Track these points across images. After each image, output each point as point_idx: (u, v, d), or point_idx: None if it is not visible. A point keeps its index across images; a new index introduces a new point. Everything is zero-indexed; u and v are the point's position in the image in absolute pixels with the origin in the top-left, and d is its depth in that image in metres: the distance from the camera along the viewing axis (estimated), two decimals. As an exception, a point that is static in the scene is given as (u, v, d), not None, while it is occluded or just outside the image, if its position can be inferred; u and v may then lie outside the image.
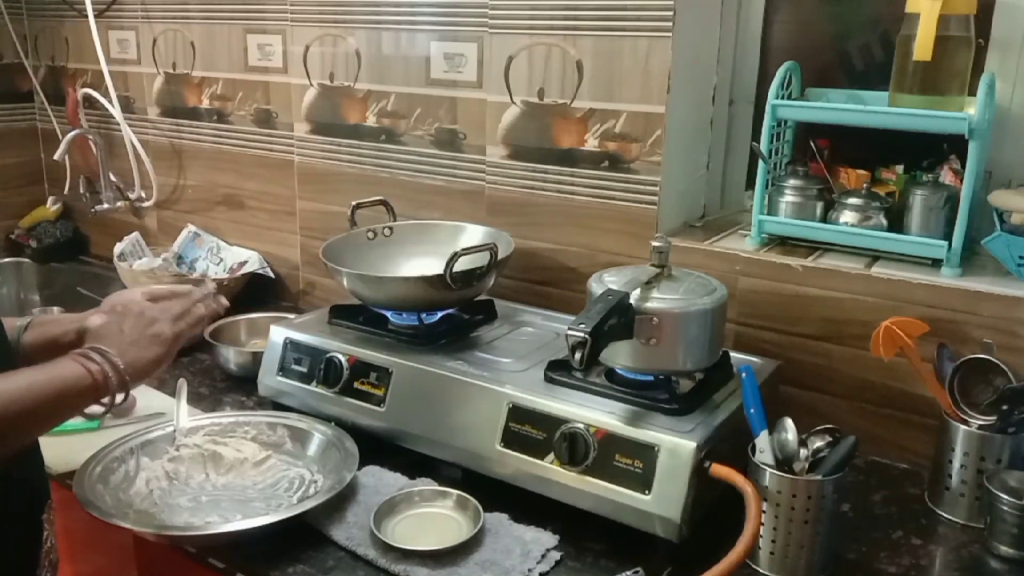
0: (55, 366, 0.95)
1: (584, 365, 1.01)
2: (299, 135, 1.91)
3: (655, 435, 1.06)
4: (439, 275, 1.29)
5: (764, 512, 1.03)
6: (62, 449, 1.17)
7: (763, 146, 1.41)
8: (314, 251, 1.64)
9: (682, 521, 1.03)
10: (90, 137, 2.15)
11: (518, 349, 1.34)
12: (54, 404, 0.93)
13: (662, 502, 1.04)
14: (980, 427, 1.16)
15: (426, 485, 1.19)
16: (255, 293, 1.99)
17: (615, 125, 1.49)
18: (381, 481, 1.20)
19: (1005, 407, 1.14)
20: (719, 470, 1.03)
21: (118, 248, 2.05)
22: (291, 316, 1.56)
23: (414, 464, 1.24)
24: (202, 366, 1.66)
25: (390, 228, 1.58)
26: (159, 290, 1.12)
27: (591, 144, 1.52)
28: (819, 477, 1.03)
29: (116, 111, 2.13)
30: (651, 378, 1.17)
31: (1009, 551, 1.09)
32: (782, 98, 1.40)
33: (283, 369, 1.39)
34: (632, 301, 1.11)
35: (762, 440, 1.06)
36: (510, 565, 1.04)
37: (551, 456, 1.12)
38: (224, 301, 1.18)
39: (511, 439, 1.15)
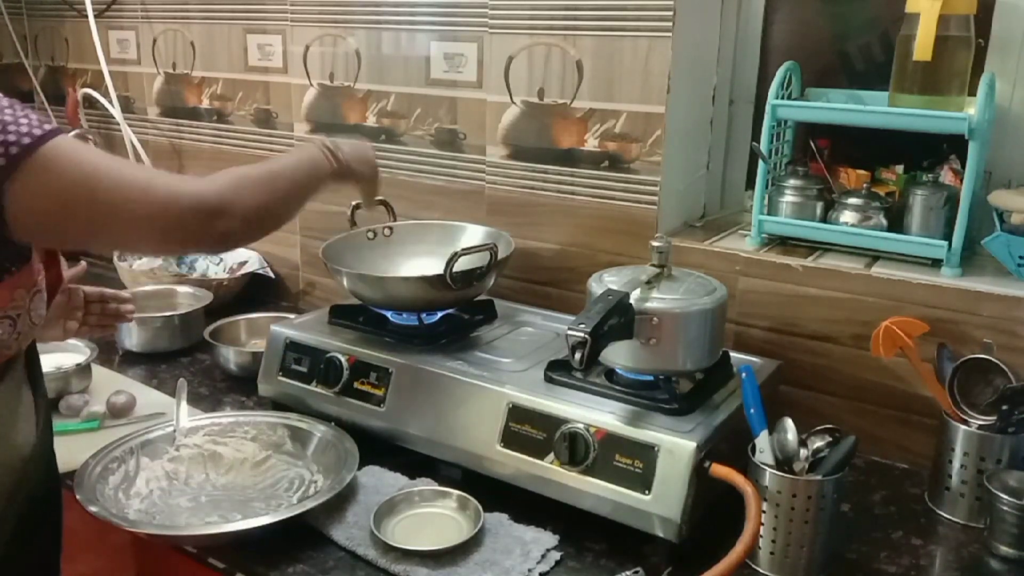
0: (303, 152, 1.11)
1: (584, 365, 1.01)
2: (299, 135, 1.91)
3: (655, 435, 1.07)
4: (439, 275, 1.29)
5: (764, 512, 1.03)
6: (62, 449, 1.16)
7: (763, 146, 1.41)
8: (314, 251, 1.64)
9: (682, 521, 1.03)
10: (90, 137, 2.15)
11: (518, 349, 1.34)
12: (306, 184, 1.07)
13: (662, 502, 1.04)
14: (980, 427, 1.16)
15: (426, 485, 1.19)
16: (255, 293, 1.99)
17: (615, 125, 1.49)
18: (381, 481, 1.20)
19: (1005, 407, 1.14)
20: (719, 470, 1.03)
21: (118, 248, 2.05)
22: (291, 316, 1.56)
23: (414, 464, 1.24)
24: (202, 366, 1.66)
25: (390, 228, 1.58)
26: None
27: (591, 144, 1.52)
28: (819, 477, 1.03)
29: (116, 111, 2.13)
30: (651, 378, 1.17)
31: (1009, 551, 1.09)
32: (782, 98, 1.40)
33: (283, 369, 1.38)
34: (632, 301, 1.11)
35: (762, 440, 1.06)
36: (510, 565, 1.04)
37: (551, 456, 1.12)
38: None
39: (511, 439, 1.15)
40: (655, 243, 1.19)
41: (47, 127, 0.83)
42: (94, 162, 0.85)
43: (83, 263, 1.30)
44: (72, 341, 1.61)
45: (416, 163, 1.75)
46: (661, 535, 1.05)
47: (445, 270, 1.28)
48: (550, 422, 1.13)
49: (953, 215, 1.30)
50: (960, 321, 1.25)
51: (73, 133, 2.03)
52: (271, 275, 2.00)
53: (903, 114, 1.31)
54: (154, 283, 1.90)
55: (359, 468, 1.19)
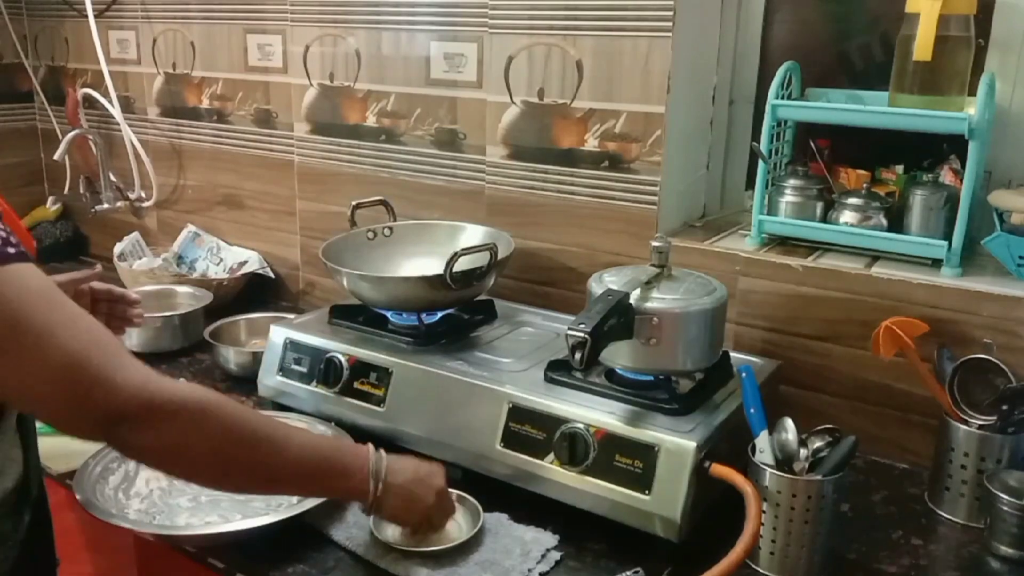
0: (342, 447, 1.02)
1: (584, 365, 1.01)
2: (299, 135, 1.91)
3: (655, 435, 1.06)
4: (439, 275, 1.29)
5: (764, 512, 1.03)
6: (62, 449, 1.17)
7: (763, 146, 1.41)
8: (314, 251, 1.64)
9: (682, 521, 1.03)
10: (90, 137, 2.15)
11: (518, 349, 1.34)
12: (306, 477, 0.96)
13: (662, 502, 1.04)
14: (980, 427, 1.16)
15: (426, 485, 1.19)
16: (255, 293, 1.99)
17: (615, 125, 1.49)
18: (381, 481, 1.20)
19: (1005, 407, 1.14)
20: (719, 470, 1.03)
21: (118, 248, 2.05)
22: (291, 316, 1.56)
23: (414, 464, 1.24)
24: (202, 366, 1.66)
25: (390, 228, 1.58)
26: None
27: (591, 144, 1.52)
28: (819, 477, 1.03)
29: (116, 111, 2.13)
30: (651, 378, 1.17)
31: (1009, 551, 1.09)
32: (782, 98, 1.40)
33: (283, 369, 1.38)
34: (632, 301, 1.11)
35: (762, 440, 1.06)
36: (510, 565, 1.04)
37: (551, 456, 1.12)
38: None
39: (511, 439, 1.15)
40: (655, 243, 1.19)
41: (11, 251, 0.75)
42: (34, 304, 0.75)
43: (98, 266, 1.29)
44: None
45: (416, 163, 1.75)
46: (661, 535, 1.05)
47: (445, 270, 1.28)
48: (550, 422, 1.13)
49: (953, 215, 1.30)
50: (960, 321, 1.25)
51: (73, 133, 2.04)
52: (271, 275, 2.00)
53: (903, 114, 1.31)
54: (154, 283, 1.90)
55: (359, 468, 1.19)
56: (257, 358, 1.47)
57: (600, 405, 1.13)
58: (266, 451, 0.90)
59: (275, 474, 0.92)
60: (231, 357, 1.58)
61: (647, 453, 1.06)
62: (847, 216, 1.39)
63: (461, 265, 1.30)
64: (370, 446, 1.03)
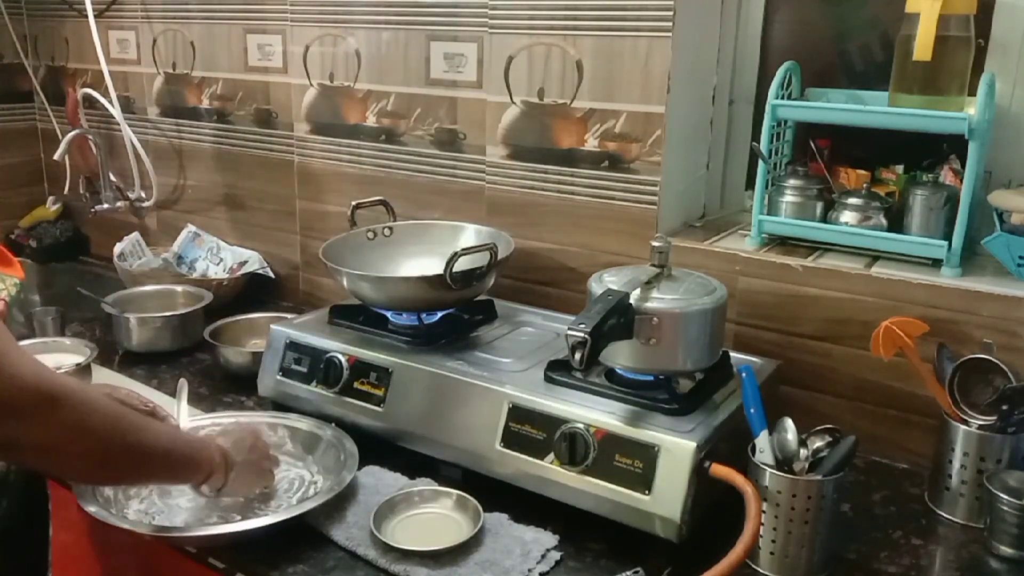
0: (195, 444, 1.06)
1: (584, 365, 1.01)
2: (299, 135, 1.91)
3: (655, 435, 1.06)
4: (439, 275, 1.29)
5: (764, 512, 1.03)
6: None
7: (763, 146, 1.41)
8: (314, 251, 1.64)
9: (682, 521, 1.03)
10: (90, 137, 2.15)
11: (518, 349, 1.34)
12: (168, 469, 1.01)
13: (662, 502, 1.04)
14: (980, 427, 1.16)
15: (426, 485, 1.19)
16: (255, 293, 1.99)
17: (615, 125, 1.49)
18: (381, 481, 1.20)
19: (1005, 407, 1.14)
20: (719, 470, 1.03)
21: (118, 248, 2.05)
22: (291, 316, 1.56)
23: (414, 464, 1.24)
24: (202, 366, 1.66)
25: (390, 228, 1.58)
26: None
27: (591, 144, 1.52)
28: (819, 477, 1.03)
29: (116, 111, 2.13)
30: (651, 378, 1.17)
31: (1009, 551, 1.09)
32: (782, 98, 1.40)
33: (283, 369, 1.38)
34: (632, 301, 1.11)
35: (762, 440, 1.06)
36: (510, 565, 1.04)
37: (551, 456, 1.12)
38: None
39: (511, 439, 1.15)
40: (655, 243, 1.19)
41: None
42: None
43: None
44: (72, 341, 1.61)
45: (416, 163, 1.75)
46: (661, 535, 1.05)
47: (445, 270, 1.28)
48: (550, 422, 1.13)
49: (953, 215, 1.30)
50: (960, 321, 1.25)
51: (73, 133, 2.03)
52: (271, 275, 2.00)
53: (903, 114, 1.31)
54: (154, 283, 1.89)
55: (359, 468, 1.19)
56: (257, 358, 1.47)
57: (600, 405, 1.13)
58: (136, 439, 0.93)
59: (146, 462, 0.95)
60: (231, 357, 1.58)
61: (647, 453, 1.06)
62: (847, 216, 1.39)
63: (461, 265, 1.30)
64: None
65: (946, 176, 1.41)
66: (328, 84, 1.83)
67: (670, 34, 1.40)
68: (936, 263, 1.31)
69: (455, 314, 1.44)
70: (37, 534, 1.06)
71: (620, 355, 1.14)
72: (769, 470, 1.04)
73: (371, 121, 1.79)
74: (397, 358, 1.29)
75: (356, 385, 1.30)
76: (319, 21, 1.80)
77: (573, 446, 1.09)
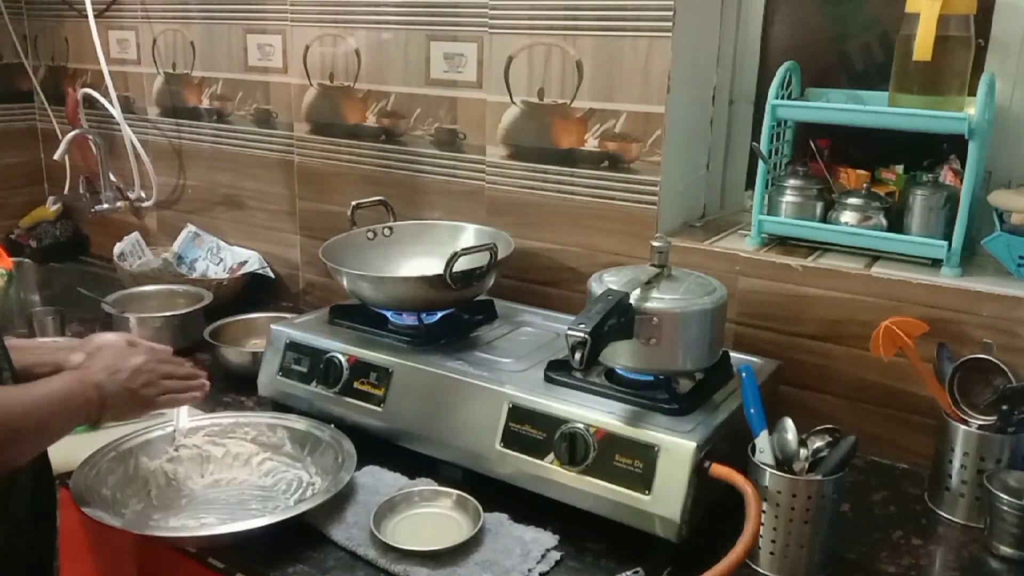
0: (60, 383, 1.03)
1: (584, 365, 1.01)
2: (299, 135, 1.91)
3: (655, 435, 1.06)
4: (439, 275, 1.29)
5: (764, 512, 1.03)
6: (62, 449, 1.16)
7: (763, 146, 1.41)
8: (314, 251, 1.64)
9: (682, 521, 1.03)
10: (90, 137, 2.15)
11: (518, 349, 1.34)
12: (61, 419, 1.01)
13: (662, 502, 1.04)
14: (980, 427, 1.16)
15: (426, 485, 1.19)
16: (255, 293, 1.99)
17: (615, 125, 1.49)
18: (381, 481, 1.20)
19: (1005, 407, 1.14)
20: (719, 470, 1.03)
21: (118, 248, 2.05)
22: (291, 316, 1.56)
23: (414, 464, 1.24)
24: (202, 366, 1.64)
25: (390, 228, 1.58)
26: (143, 345, 1.18)
27: (591, 144, 1.52)
28: (819, 477, 1.03)
29: (116, 111, 2.13)
30: (651, 378, 1.17)
31: (1009, 551, 1.09)
32: (782, 98, 1.40)
33: (283, 369, 1.38)
34: (632, 301, 1.11)
35: (762, 440, 1.06)
36: (510, 565, 1.04)
37: (551, 456, 1.12)
38: (206, 388, 1.25)
39: (511, 439, 1.15)
40: (655, 243, 1.19)
41: None
42: None
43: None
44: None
45: (416, 163, 1.75)
46: (661, 535, 1.05)
47: (445, 270, 1.28)
48: (550, 422, 1.13)
49: (953, 215, 1.30)
50: (960, 321, 1.25)
51: (73, 133, 2.03)
52: (271, 275, 2.00)
53: (903, 114, 1.31)
54: (154, 283, 1.89)
55: (358, 468, 1.19)
56: (257, 358, 1.47)
57: (600, 405, 1.13)
58: (36, 412, 0.97)
59: (20, 433, 0.95)
60: (231, 357, 1.58)
61: (647, 453, 1.06)
62: (847, 216, 1.39)
63: (461, 265, 1.30)
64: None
65: (946, 176, 1.41)
66: (328, 84, 1.83)
67: (670, 34, 1.40)
68: (936, 263, 1.31)
69: (455, 314, 1.44)
70: (44, 531, 1.06)
71: (620, 355, 1.14)
72: (769, 470, 1.04)
73: (371, 121, 1.79)
74: (397, 358, 1.29)
75: (356, 385, 1.30)
76: (319, 21, 1.80)
77: (573, 446, 1.09)
